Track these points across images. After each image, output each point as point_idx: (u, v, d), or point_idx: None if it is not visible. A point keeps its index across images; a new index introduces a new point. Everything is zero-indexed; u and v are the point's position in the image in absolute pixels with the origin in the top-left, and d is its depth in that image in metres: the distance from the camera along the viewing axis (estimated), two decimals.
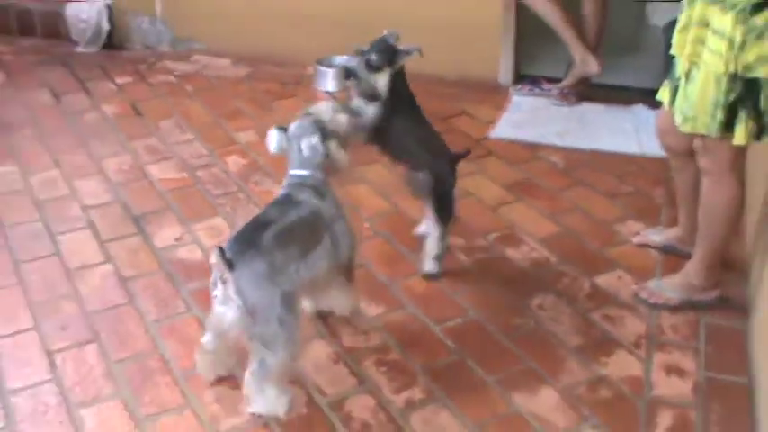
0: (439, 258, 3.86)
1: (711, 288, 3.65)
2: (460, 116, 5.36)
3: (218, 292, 2.98)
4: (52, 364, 3.44)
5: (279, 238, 3.05)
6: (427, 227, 3.93)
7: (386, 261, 4.01)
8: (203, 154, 4.94)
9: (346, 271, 3.45)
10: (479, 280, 3.91)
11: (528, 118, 5.32)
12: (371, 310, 3.66)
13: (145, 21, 6.36)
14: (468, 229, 4.23)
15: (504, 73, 5.69)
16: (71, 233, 4.28)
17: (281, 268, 3.01)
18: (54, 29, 6.57)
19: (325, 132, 3.28)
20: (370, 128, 3.76)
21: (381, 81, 3.74)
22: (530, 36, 5.71)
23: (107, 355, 3.46)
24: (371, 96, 3.75)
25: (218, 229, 4.25)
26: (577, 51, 5.28)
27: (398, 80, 3.78)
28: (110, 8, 6.37)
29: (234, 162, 4.85)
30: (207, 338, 3.19)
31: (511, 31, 5.61)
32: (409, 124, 3.83)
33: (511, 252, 4.08)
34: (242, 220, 4.16)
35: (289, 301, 3.01)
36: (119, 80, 5.98)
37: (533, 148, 5.01)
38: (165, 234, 4.25)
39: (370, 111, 3.75)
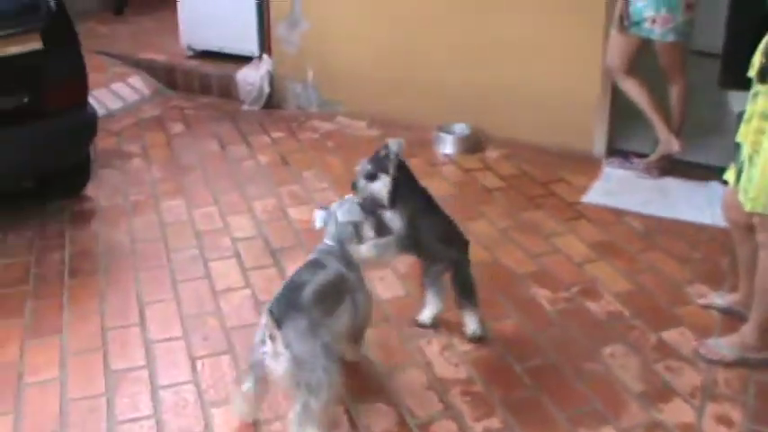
0: (482, 325, 3.66)
1: (764, 348, 3.47)
2: (559, 182, 5.24)
3: (267, 348, 2.94)
4: (194, 368, 3.50)
5: (314, 296, 3.03)
6: (430, 313, 3.72)
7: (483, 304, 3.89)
8: (334, 200, 4.89)
9: (359, 332, 3.39)
10: (560, 327, 3.78)
11: (617, 187, 5.18)
12: (463, 346, 3.58)
13: (299, 86, 6.44)
14: (554, 281, 4.10)
15: (599, 146, 5.55)
16: (221, 260, 4.35)
17: (319, 322, 3.00)
18: (227, 90, 6.72)
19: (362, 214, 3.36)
20: (399, 238, 3.48)
21: (378, 187, 3.47)
22: (622, 115, 5.59)
23: (238, 365, 3.49)
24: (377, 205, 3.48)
25: None
26: (662, 132, 5.16)
27: (404, 180, 3.51)
28: (271, 75, 6.48)
29: None
30: (248, 386, 3.11)
31: (606, 111, 5.49)
32: (428, 222, 3.57)
33: (590, 304, 3.94)
34: None
35: (328, 351, 2.96)
36: (273, 134, 6.07)
37: (619, 213, 4.85)
38: (297, 266, 4.24)
39: (395, 222, 3.47)
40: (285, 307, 2.99)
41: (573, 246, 4.48)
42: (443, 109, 5.84)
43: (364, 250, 3.34)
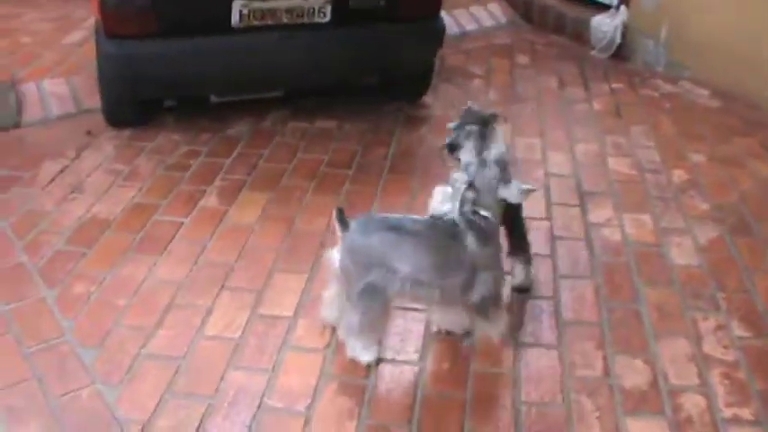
0: (529, 277, 3.58)
1: None
2: None
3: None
4: None
5: (393, 236, 2.96)
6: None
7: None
8: (656, 161, 4.81)
9: (482, 309, 3.11)
10: None
11: None
12: (740, 331, 3.39)
13: (650, 42, 6.23)
14: None
15: None
16: None
17: (377, 263, 2.93)
18: (579, 32, 6.67)
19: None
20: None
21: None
22: None
23: None
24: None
25: (642, 222, 4.15)
26: None
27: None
28: (625, 26, 6.33)
29: (678, 175, 4.66)
30: (329, 291, 3.22)
31: None
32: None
33: None
34: (667, 223, 4.15)
35: (371, 292, 2.94)
36: (614, 84, 5.96)
37: None
38: (600, 213, 4.23)
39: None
40: (363, 222, 3.04)
41: None
42: None
43: (514, 192, 3.07)
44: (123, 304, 3.44)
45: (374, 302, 2.97)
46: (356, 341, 3.10)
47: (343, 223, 3.02)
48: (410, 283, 2.95)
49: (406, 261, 2.94)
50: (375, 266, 2.94)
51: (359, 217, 3.11)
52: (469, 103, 3.40)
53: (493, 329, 3.19)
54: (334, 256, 3.07)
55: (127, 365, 3.10)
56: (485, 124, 3.22)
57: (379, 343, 3.18)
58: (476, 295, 3.03)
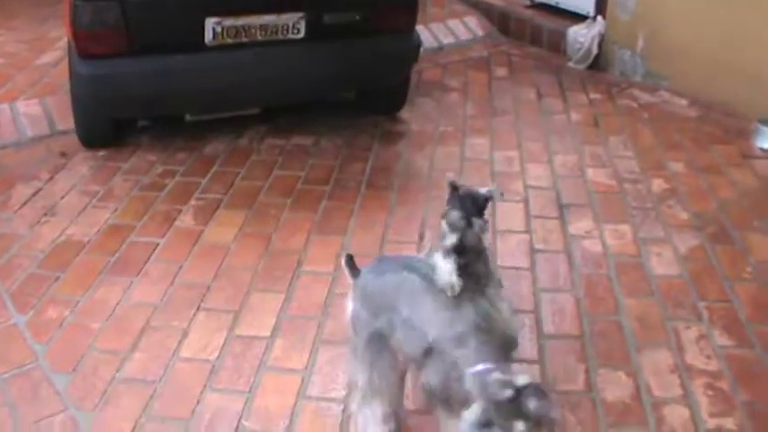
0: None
1: None
2: None
3: None
4: None
5: (401, 284, 2.62)
6: None
7: (752, 304, 3.61)
8: (635, 171, 4.78)
9: None
10: None
11: None
12: (722, 340, 3.35)
13: (627, 53, 6.22)
14: None
15: None
16: (509, 203, 4.37)
17: (377, 312, 2.61)
18: (556, 44, 6.66)
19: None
20: None
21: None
22: None
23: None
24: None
25: (622, 233, 4.12)
26: None
27: None
28: (602, 37, 6.32)
29: (657, 184, 4.63)
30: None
31: None
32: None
33: None
34: (647, 233, 4.13)
35: (374, 342, 2.60)
36: (592, 95, 5.95)
37: None
38: (580, 225, 4.20)
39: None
40: (373, 268, 2.78)
41: None
42: None
43: None
44: (97, 328, 3.37)
45: (381, 355, 2.62)
46: (366, 407, 2.70)
47: (353, 269, 2.80)
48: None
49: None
50: (384, 311, 2.62)
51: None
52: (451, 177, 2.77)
53: None
54: (347, 305, 2.79)
55: (101, 390, 3.04)
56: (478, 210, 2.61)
57: (397, 418, 2.76)
58: None
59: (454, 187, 2.61)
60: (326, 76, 4.82)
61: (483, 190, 2.62)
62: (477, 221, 2.54)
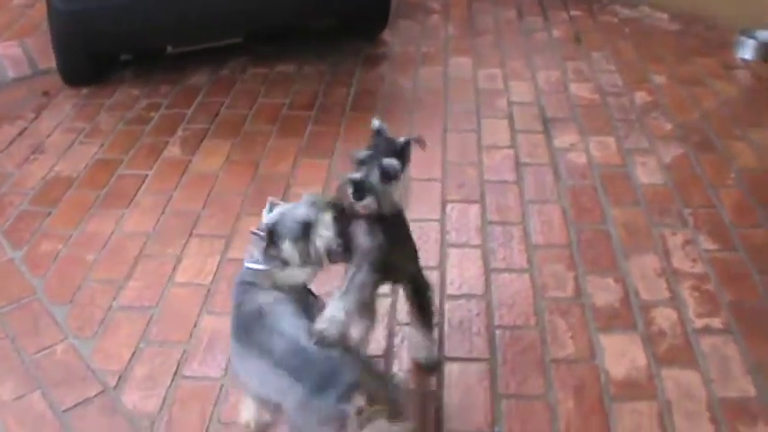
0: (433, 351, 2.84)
1: None
2: None
3: None
4: (443, 210, 3.64)
5: None
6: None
7: (735, 210, 3.64)
8: (618, 84, 4.78)
9: None
10: None
11: None
12: (707, 244, 3.40)
13: None
14: None
15: None
16: (493, 119, 4.40)
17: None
18: None
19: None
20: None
21: (398, 193, 2.43)
22: None
23: (485, 216, 3.58)
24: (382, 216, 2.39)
25: (607, 145, 4.14)
26: None
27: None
28: None
29: (640, 97, 4.64)
30: None
31: None
32: (401, 242, 2.58)
33: None
34: (631, 144, 4.14)
35: None
36: (572, 12, 5.90)
37: None
38: (565, 138, 4.22)
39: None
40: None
41: None
42: (752, 12, 5.32)
43: None
44: (92, 259, 3.38)
45: None
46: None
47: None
48: None
49: None
50: None
51: None
52: (378, 124, 2.53)
53: None
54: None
55: (99, 318, 3.06)
56: (399, 156, 2.40)
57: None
58: None
59: (377, 132, 2.47)
60: (307, 0, 4.76)
61: (402, 138, 2.44)
62: (387, 160, 2.36)
